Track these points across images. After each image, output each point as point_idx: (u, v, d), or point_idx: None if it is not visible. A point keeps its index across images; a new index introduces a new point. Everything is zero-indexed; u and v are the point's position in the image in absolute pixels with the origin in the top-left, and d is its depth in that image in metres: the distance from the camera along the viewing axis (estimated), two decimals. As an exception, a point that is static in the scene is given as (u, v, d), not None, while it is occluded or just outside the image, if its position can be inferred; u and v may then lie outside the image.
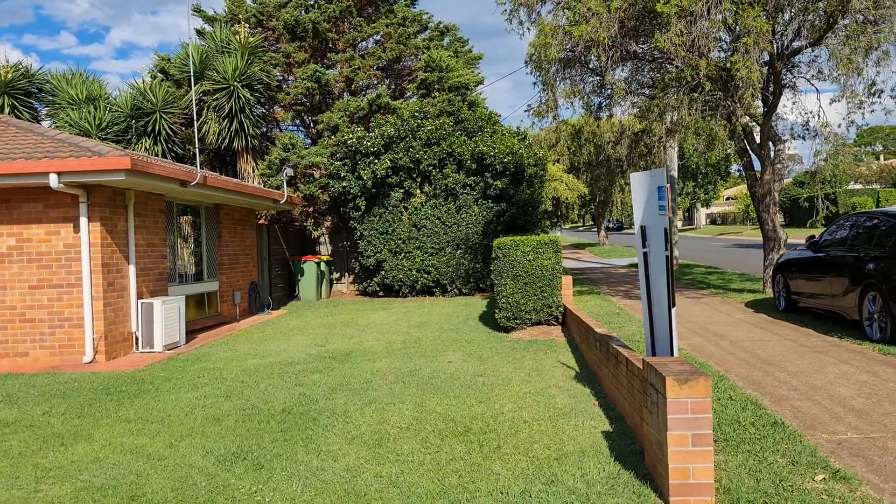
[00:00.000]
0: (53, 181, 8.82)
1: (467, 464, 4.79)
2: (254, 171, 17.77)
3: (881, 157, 73.08)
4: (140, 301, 10.19)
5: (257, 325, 12.81)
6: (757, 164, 14.26)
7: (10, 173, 8.86)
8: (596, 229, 50.09)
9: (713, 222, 77.32)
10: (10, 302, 9.54)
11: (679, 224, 66.18)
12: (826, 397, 6.09)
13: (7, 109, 16.51)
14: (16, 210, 9.51)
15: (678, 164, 26.72)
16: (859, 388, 6.37)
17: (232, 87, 16.69)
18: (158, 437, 5.72)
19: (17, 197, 9.48)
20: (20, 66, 17.57)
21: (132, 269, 10.16)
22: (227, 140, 17.17)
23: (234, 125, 17.02)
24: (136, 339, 10.21)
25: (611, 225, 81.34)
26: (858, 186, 53.30)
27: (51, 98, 17.52)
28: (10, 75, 16.98)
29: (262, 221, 17.02)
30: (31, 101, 17.71)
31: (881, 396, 6.05)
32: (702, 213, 78.32)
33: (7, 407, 6.97)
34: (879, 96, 12.82)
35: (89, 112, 16.24)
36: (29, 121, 15.80)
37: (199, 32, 20.20)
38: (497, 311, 10.65)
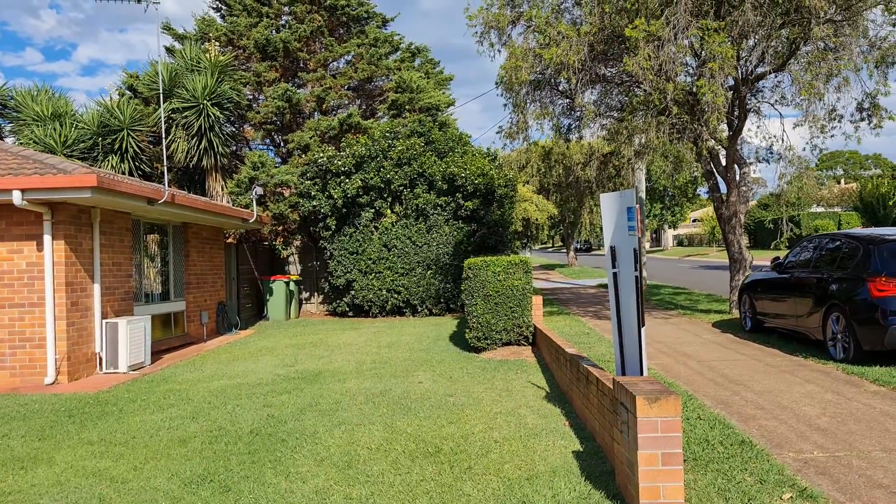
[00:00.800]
0: (17, 198, 8.65)
1: (438, 485, 4.76)
2: (223, 190, 17.61)
3: (842, 180, 74.97)
4: (105, 321, 9.99)
5: (225, 346, 12.63)
6: (723, 187, 14.52)
7: (-29, 190, 8.68)
8: (565, 250, 50.45)
9: (680, 244, 78.39)
10: (-32, 322, 9.29)
11: (647, 245, 66.94)
12: (792, 416, 6.17)
13: (-31, 125, 16.19)
14: (-23, 227, 9.30)
15: (646, 186, 27.09)
16: (824, 407, 6.47)
17: (202, 106, 16.57)
18: (122, 460, 5.59)
19: (-22, 214, 9.28)
20: (-16, 82, 17.27)
21: (97, 288, 9.97)
22: (195, 158, 17.01)
23: (203, 143, 16.87)
24: (101, 359, 9.99)
25: (580, 246, 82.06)
26: (821, 209, 54.54)
27: (15, 115, 17.20)
28: (-27, 91, 16.67)
29: (230, 240, 16.85)
30: (-5, 117, 17.40)
31: (845, 415, 6.14)
32: (669, 235, 79.41)
33: (-36, 430, 6.76)
34: (840, 121, 13.20)
35: (55, 129, 15.99)
36: (-8, 137, 15.50)
37: (169, 50, 20.06)
38: (467, 331, 10.64)
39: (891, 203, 38.23)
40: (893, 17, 12.23)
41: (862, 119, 13.18)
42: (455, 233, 16.38)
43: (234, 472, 5.17)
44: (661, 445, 3.93)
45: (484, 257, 10.87)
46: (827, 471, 4.76)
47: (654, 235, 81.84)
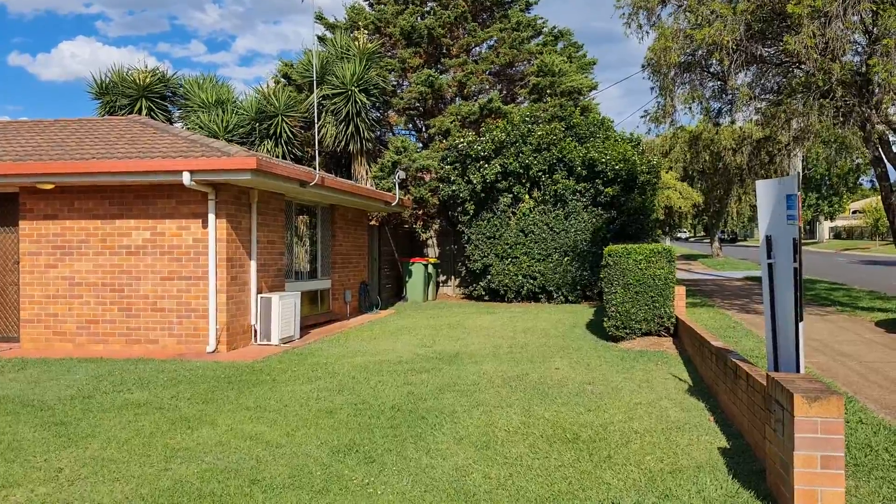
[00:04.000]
0: (186, 179, 9.36)
1: (577, 471, 4.73)
2: (367, 174, 18.25)
3: None
4: (259, 295, 10.66)
5: (366, 324, 13.13)
6: (893, 175, 13.35)
7: (149, 170, 9.51)
8: (708, 240, 48.20)
9: (837, 236, 72.92)
10: (143, 291, 10.21)
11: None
12: (971, 427, 5.61)
13: (144, 111, 17.72)
14: (151, 206, 10.18)
15: (802, 174, 25.35)
16: None
17: (350, 92, 17.22)
18: (276, 426, 5.96)
19: (152, 194, 10.15)
20: (157, 72, 18.84)
21: (253, 264, 10.65)
22: (343, 143, 17.73)
23: (350, 129, 17.56)
24: (255, 331, 10.69)
25: (724, 236, 78.11)
26: None
27: (183, 101, 18.66)
28: (147, 80, 18.22)
29: (373, 223, 17.45)
30: (166, 104, 18.94)
31: None
32: (825, 227, 73.99)
33: (139, 390, 7.47)
34: None
35: (217, 115, 17.18)
36: (163, 122, 16.88)
37: (321, 39, 20.96)
38: (605, 319, 10.46)
39: None
40: None
41: None
42: (594, 220, 16.10)
43: (377, 445, 5.39)
44: (821, 447, 3.71)
45: (625, 245, 10.62)
46: None
47: (807, 227, 76.51)
